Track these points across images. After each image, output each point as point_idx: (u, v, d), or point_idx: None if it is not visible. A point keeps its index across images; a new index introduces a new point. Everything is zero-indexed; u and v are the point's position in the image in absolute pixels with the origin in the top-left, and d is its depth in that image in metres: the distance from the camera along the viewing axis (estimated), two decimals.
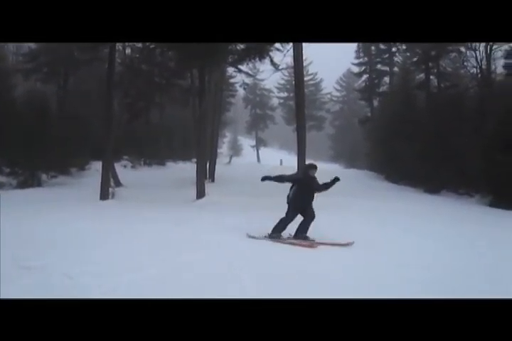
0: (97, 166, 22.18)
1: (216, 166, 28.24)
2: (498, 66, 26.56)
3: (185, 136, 39.74)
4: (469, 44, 26.38)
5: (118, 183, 22.15)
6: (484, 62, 26.14)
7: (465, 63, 28.09)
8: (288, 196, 9.38)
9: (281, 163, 50.41)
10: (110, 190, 18.15)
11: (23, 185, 21.31)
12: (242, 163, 46.57)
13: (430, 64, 29.84)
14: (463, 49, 27.75)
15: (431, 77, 30.63)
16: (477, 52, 26.38)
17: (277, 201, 16.42)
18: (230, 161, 48.14)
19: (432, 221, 12.56)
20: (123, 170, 28.02)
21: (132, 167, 32.45)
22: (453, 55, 29.74)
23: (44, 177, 22.92)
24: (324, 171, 32.70)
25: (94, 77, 31.36)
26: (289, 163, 41.11)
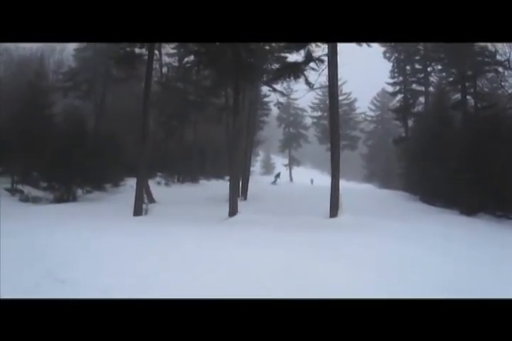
0: (131, 182, 22.43)
1: (249, 184, 28.27)
2: None
3: (218, 154, 39.98)
4: (507, 63, 25.97)
5: (151, 200, 22.32)
6: None
7: (503, 83, 27.62)
8: None
9: (312, 183, 49.93)
10: (144, 206, 18.32)
11: (59, 199, 21.71)
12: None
13: (467, 84, 29.43)
14: (500, 69, 27.32)
15: (467, 97, 30.17)
16: None
17: (309, 220, 16.37)
18: (275, 181, 43.71)
19: (470, 245, 12.22)
20: (157, 186, 28.23)
21: (166, 184, 32.72)
22: (490, 74, 29.31)
23: (79, 192, 23.31)
24: (359, 191, 32.39)
25: (131, 95, 32.00)
26: (320, 182, 40.90)
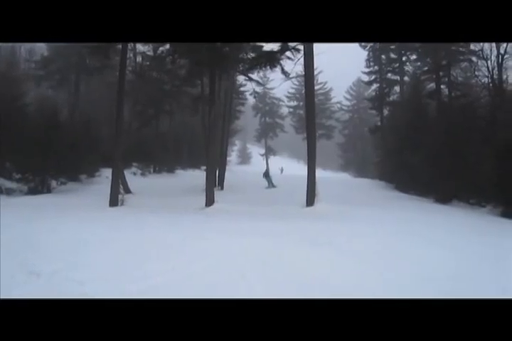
0: (106, 173, 22.24)
1: (226, 174, 28.26)
2: (510, 75, 26.45)
3: (194, 143, 39.85)
4: (481, 53, 26.31)
5: (127, 190, 22.16)
6: (496, 71, 26.02)
7: (476, 72, 27.98)
8: None
9: (281, 172, 49.75)
10: (119, 197, 18.13)
11: (33, 191, 21.37)
12: (249, 172, 46.37)
13: (441, 73, 29.75)
14: (474, 58, 27.67)
15: (442, 86, 30.52)
16: (488, 62, 26.28)
17: (286, 209, 16.44)
18: (272, 184, 27.53)
19: (442, 231, 12.38)
20: (132, 177, 28.06)
21: (142, 174, 32.54)
22: (464, 64, 29.68)
23: (54, 183, 22.97)
24: (335, 179, 32.45)
25: (105, 85, 31.61)
26: (297, 171, 41.00)
